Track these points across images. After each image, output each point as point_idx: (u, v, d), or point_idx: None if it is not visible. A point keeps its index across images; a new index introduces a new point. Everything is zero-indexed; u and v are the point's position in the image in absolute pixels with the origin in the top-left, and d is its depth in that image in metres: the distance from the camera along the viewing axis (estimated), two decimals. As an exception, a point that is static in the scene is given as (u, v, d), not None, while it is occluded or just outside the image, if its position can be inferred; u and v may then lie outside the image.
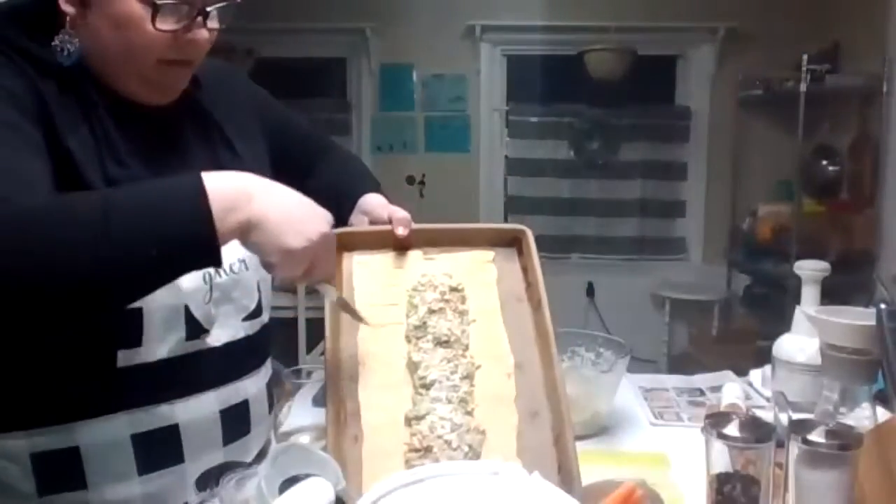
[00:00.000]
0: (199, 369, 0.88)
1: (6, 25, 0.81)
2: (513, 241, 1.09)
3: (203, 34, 0.84)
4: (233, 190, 0.73)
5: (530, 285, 1.04)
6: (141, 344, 0.83)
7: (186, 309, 0.86)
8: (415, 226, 1.06)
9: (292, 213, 0.77)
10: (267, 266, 0.79)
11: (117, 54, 0.82)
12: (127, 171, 0.82)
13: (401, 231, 1.04)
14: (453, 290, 1.02)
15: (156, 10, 0.80)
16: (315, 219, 0.79)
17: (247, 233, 0.74)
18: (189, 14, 0.82)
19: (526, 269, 1.06)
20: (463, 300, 1.02)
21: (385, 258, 1.06)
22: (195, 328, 0.87)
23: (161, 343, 0.84)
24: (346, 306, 0.95)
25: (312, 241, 0.77)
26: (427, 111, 4.13)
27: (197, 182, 0.71)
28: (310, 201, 0.80)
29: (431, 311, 0.98)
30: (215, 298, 0.90)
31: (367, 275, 1.04)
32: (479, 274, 1.05)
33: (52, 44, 0.80)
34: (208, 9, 0.83)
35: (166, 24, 0.81)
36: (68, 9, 0.81)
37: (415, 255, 1.06)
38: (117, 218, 0.68)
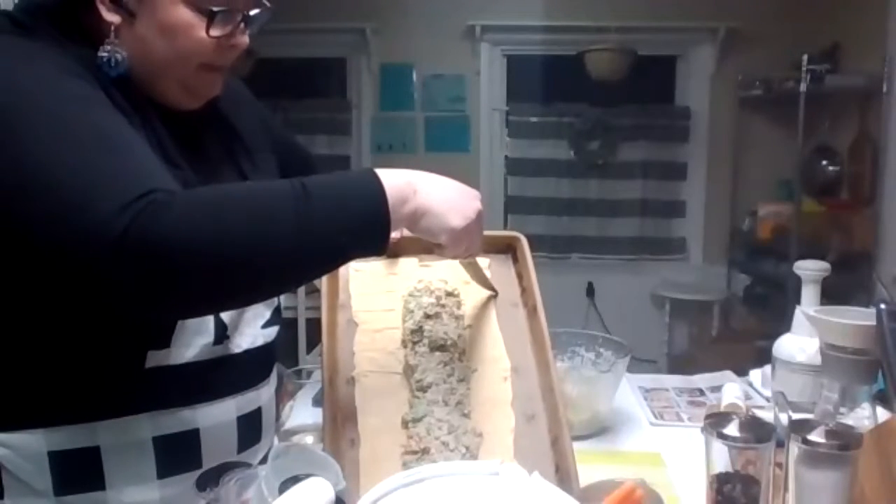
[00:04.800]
0: (221, 375, 0.89)
1: (46, 28, 0.81)
2: (507, 248, 1.09)
3: (245, 40, 0.87)
4: (401, 184, 0.79)
5: (525, 291, 1.04)
6: (169, 345, 0.83)
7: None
8: (407, 234, 1.06)
9: (452, 198, 0.84)
10: (435, 247, 0.87)
11: (162, 60, 0.83)
12: (181, 171, 0.83)
13: (394, 234, 1.05)
14: (449, 294, 1.02)
15: (211, 18, 0.81)
16: (470, 198, 0.86)
17: (416, 221, 0.81)
18: (235, 20, 0.84)
19: (521, 275, 1.06)
20: (459, 305, 1.02)
21: (381, 265, 1.06)
22: (221, 333, 0.88)
23: (188, 346, 0.85)
24: (484, 279, 1.04)
25: (472, 220, 0.85)
26: (427, 111, 4.13)
27: (374, 176, 0.77)
28: (460, 184, 0.87)
29: (427, 316, 0.99)
30: None
31: (363, 281, 1.04)
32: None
33: (100, 55, 0.80)
34: (250, 13, 0.86)
35: (218, 31, 0.83)
36: (113, 18, 0.81)
37: (411, 261, 1.07)
38: (316, 199, 0.73)
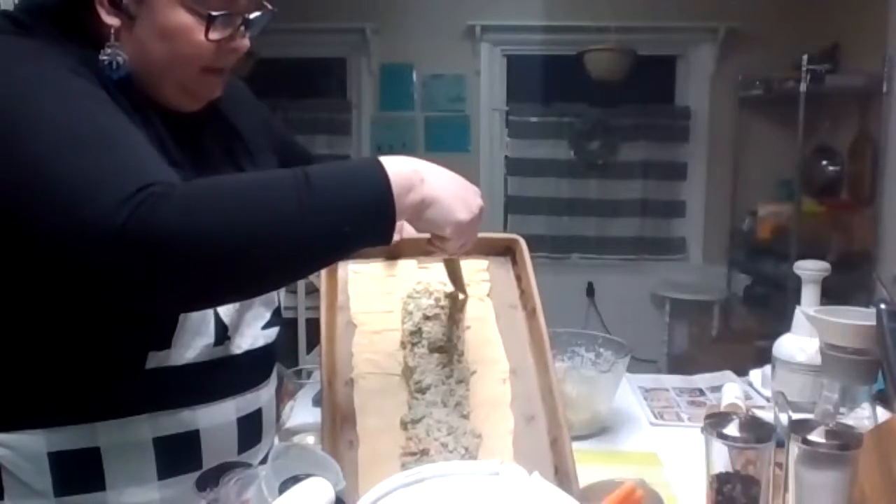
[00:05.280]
0: (221, 376, 0.89)
1: (48, 29, 0.80)
2: (506, 250, 1.09)
3: (245, 43, 0.86)
4: (407, 171, 0.77)
5: (524, 293, 1.04)
6: (170, 346, 0.83)
7: (216, 313, 0.86)
8: (409, 235, 1.06)
9: (457, 190, 0.83)
10: (438, 240, 0.85)
11: (162, 63, 0.83)
12: (181, 172, 0.82)
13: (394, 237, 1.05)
14: (448, 296, 1.02)
15: (210, 22, 0.81)
16: (473, 193, 0.86)
17: (421, 211, 0.79)
18: (235, 23, 0.84)
19: (520, 278, 1.06)
20: (458, 307, 1.02)
21: (380, 267, 1.06)
22: (222, 334, 0.88)
23: (189, 347, 0.84)
24: (459, 278, 1.01)
25: (475, 214, 0.84)
26: (427, 111, 4.13)
27: (378, 164, 0.75)
28: (463, 178, 0.86)
29: (426, 318, 0.99)
30: (243, 304, 0.90)
31: (362, 283, 1.04)
32: (473, 282, 1.06)
33: (101, 58, 0.80)
34: (250, 17, 0.85)
35: (217, 34, 0.82)
36: (112, 21, 0.80)
37: (409, 264, 1.07)
38: (318, 188, 0.71)
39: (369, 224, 0.75)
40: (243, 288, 0.75)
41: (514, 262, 1.08)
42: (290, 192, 0.71)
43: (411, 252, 1.06)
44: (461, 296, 1.03)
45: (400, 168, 0.76)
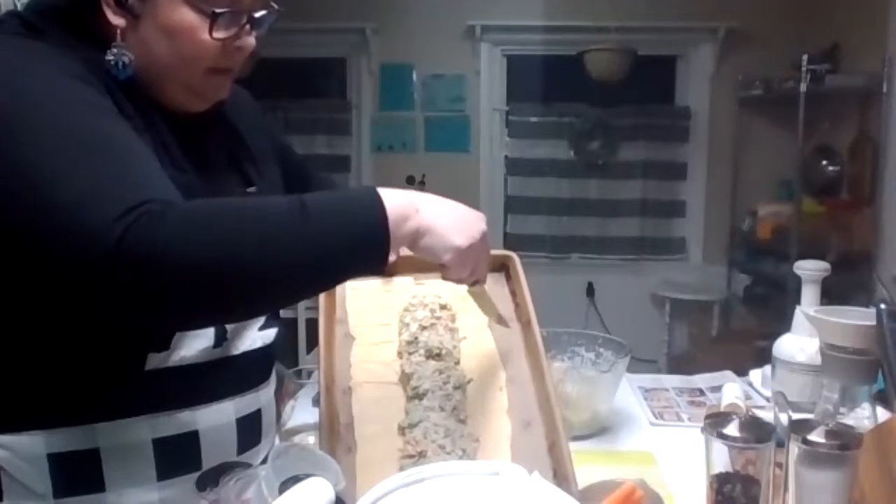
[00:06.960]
0: (220, 377, 0.89)
1: (57, 30, 0.80)
2: (501, 266, 1.10)
3: (251, 41, 0.86)
4: (403, 203, 0.77)
5: (519, 306, 1.05)
6: (169, 348, 0.83)
7: None
8: (405, 254, 1.06)
9: (456, 217, 0.82)
10: (442, 269, 0.84)
11: (167, 64, 0.82)
12: (185, 175, 0.82)
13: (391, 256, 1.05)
14: (443, 308, 1.03)
15: (214, 20, 0.80)
16: (475, 220, 0.85)
17: (417, 239, 0.79)
18: (240, 22, 0.83)
19: (514, 292, 1.07)
20: (453, 318, 1.03)
21: (377, 283, 1.07)
22: (221, 336, 0.88)
23: (188, 349, 0.85)
24: (494, 311, 1.00)
25: (477, 240, 0.83)
26: (427, 111, 4.13)
27: (375, 195, 0.76)
28: (465, 206, 0.86)
29: (423, 328, 1.00)
30: None
31: (359, 298, 1.05)
32: (469, 297, 1.06)
33: (107, 58, 0.80)
34: (256, 15, 0.85)
35: (222, 33, 0.82)
36: (118, 21, 0.80)
37: (406, 280, 1.08)
38: (314, 215, 0.72)
39: (363, 255, 0.75)
40: (235, 311, 0.75)
41: (509, 278, 1.09)
42: (286, 218, 0.71)
43: (408, 269, 1.06)
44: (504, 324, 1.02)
45: (396, 199, 0.76)
